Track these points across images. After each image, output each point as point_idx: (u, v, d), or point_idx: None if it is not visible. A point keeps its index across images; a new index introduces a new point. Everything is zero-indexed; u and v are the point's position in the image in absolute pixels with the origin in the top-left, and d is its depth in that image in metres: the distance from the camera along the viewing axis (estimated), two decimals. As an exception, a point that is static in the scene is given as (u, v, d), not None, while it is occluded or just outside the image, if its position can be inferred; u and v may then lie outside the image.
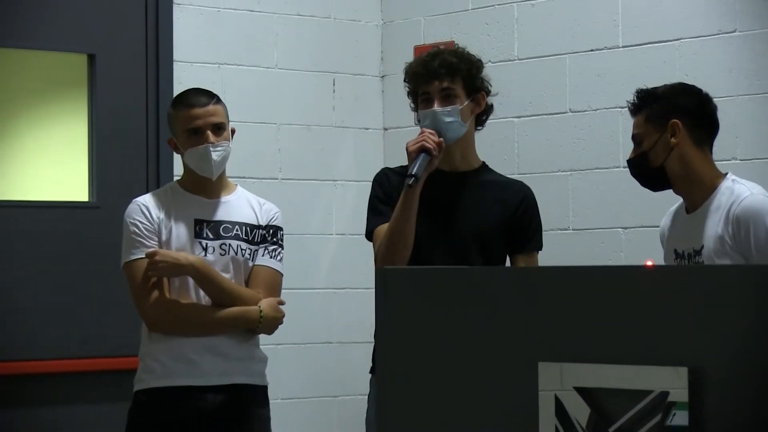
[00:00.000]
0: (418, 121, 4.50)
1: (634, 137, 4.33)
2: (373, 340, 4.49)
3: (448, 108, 4.43)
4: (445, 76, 4.44)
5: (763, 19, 5.45)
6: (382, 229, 4.42)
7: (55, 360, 5.75)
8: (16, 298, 5.64)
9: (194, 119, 4.59)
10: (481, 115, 4.56)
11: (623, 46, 5.85)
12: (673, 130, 4.23)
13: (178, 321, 4.56)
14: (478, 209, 4.49)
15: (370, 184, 4.62)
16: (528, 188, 4.60)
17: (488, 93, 4.54)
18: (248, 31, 6.32)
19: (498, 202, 4.51)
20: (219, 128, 4.61)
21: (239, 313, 4.58)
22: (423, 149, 4.29)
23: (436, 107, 4.43)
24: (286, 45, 6.41)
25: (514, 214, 4.51)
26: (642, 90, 4.32)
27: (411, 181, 4.26)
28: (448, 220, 4.47)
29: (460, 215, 4.47)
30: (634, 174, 4.40)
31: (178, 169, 5.97)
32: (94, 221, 5.88)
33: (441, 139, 4.35)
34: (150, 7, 6.03)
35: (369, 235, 4.52)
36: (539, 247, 4.58)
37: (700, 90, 4.34)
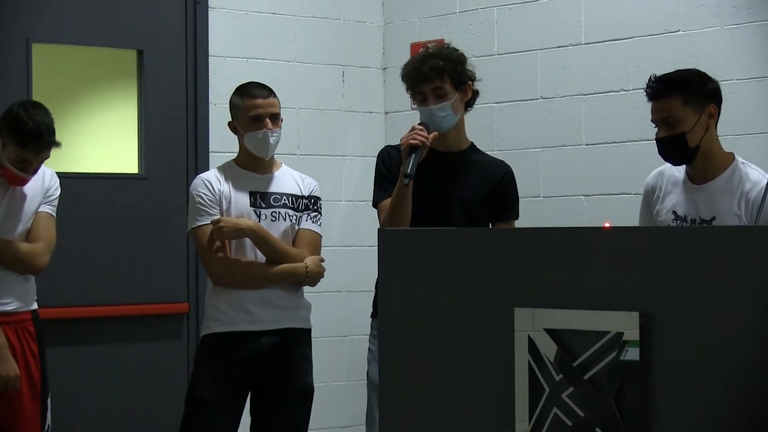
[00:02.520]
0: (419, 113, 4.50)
1: (666, 119, 4.00)
2: (374, 289, 4.48)
3: (441, 105, 4.42)
4: (434, 78, 4.43)
5: (702, 20, 5.42)
6: (386, 203, 4.42)
7: (109, 306, 5.75)
8: (78, 254, 5.64)
9: (257, 108, 4.59)
10: (470, 101, 4.55)
11: (585, 43, 5.82)
12: (710, 113, 4.02)
13: (239, 276, 4.56)
14: (465, 184, 4.48)
15: (374, 159, 4.62)
16: (508, 167, 4.59)
17: (473, 81, 4.53)
18: (271, 31, 6.30)
19: (482, 178, 4.50)
20: (275, 117, 4.63)
21: (289, 269, 4.59)
22: (413, 147, 4.29)
23: (431, 105, 4.42)
24: (303, 42, 6.39)
25: (496, 188, 4.50)
26: (665, 77, 4.05)
27: (407, 180, 4.27)
28: (439, 193, 4.46)
29: (450, 189, 4.47)
30: (665, 151, 4.07)
31: (214, 146, 5.98)
32: (143, 190, 5.88)
33: (433, 134, 4.34)
34: (189, 10, 6.01)
35: (375, 206, 4.53)
36: (516, 216, 4.57)
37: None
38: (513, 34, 6.10)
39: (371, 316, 4.56)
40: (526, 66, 6.03)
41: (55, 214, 4.74)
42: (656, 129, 4.07)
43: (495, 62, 6.12)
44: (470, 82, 4.50)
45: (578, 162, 5.82)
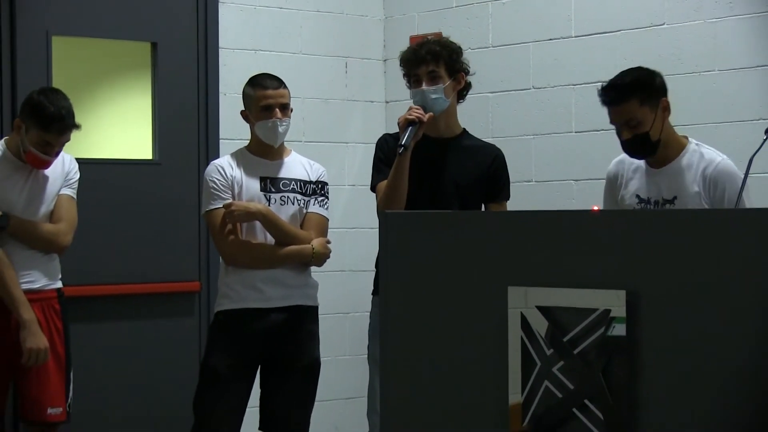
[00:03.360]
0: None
1: (628, 122, 4.04)
2: (375, 268, 4.49)
3: (434, 87, 4.42)
4: (430, 61, 4.42)
5: (685, 14, 5.42)
6: (382, 185, 4.42)
7: (126, 284, 5.76)
8: (96, 235, 5.64)
9: (267, 98, 4.60)
10: (462, 91, 4.54)
11: (575, 36, 5.82)
12: (664, 107, 4.08)
13: (249, 256, 4.56)
14: (458, 168, 4.48)
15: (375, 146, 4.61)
16: (499, 150, 4.59)
17: (467, 73, 4.52)
18: (278, 24, 6.29)
19: (474, 162, 4.50)
20: (285, 107, 4.64)
21: (296, 250, 4.59)
22: (409, 122, 4.29)
23: (424, 87, 4.42)
24: (308, 35, 6.38)
25: (487, 171, 4.50)
26: (618, 82, 4.07)
27: (401, 150, 4.27)
28: (434, 176, 4.46)
29: (444, 173, 4.47)
30: (632, 150, 4.10)
31: (224, 134, 5.98)
32: (157, 175, 5.88)
33: (429, 114, 4.34)
34: (200, 4, 6.00)
35: (373, 189, 4.53)
36: (508, 197, 4.57)
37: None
38: (507, 27, 6.09)
39: (372, 294, 4.57)
40: (519, 57, 6.03)
41: (75, 197, 4.75)
42: (616, 130, 4.12)
43: (489, 54, 6.11)
44: (463, 73, 4.49)
45: (568, 148, 5.82)
